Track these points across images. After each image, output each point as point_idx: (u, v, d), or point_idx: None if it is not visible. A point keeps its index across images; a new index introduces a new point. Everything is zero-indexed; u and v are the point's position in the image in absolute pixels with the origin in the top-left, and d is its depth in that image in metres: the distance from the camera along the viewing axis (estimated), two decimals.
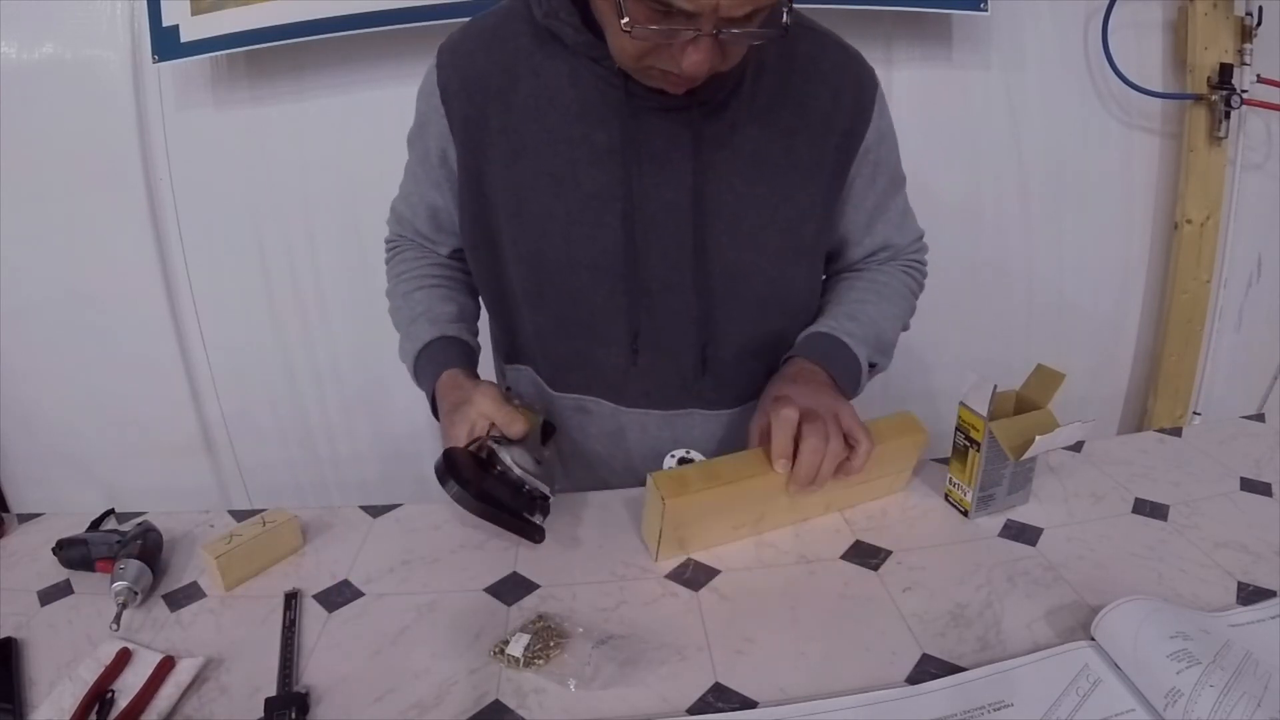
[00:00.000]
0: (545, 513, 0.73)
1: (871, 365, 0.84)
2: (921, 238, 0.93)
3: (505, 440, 0.73)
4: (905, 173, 0.89)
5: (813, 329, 0.83)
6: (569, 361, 0.85)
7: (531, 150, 0.75)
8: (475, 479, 0.68)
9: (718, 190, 0.76)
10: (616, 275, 0.77)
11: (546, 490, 0.72)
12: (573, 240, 0.77)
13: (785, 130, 0.77)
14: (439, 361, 0.83)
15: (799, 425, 0.69)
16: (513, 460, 0.71)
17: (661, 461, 0.79)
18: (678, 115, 0.73)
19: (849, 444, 0.71)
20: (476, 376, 0.83)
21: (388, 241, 0.96)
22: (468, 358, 0.85)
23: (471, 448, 0.72)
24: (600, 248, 0.76)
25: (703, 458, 0.78)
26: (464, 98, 0.77)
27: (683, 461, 0.78)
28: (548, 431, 0.82)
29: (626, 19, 0.60)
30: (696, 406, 0.86)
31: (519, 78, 0.75)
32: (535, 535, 0.71)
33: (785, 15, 0.62)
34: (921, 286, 0.94)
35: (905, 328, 0.92)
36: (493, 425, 0.73)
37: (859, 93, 0.79)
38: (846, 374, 0.80)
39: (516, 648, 0.60)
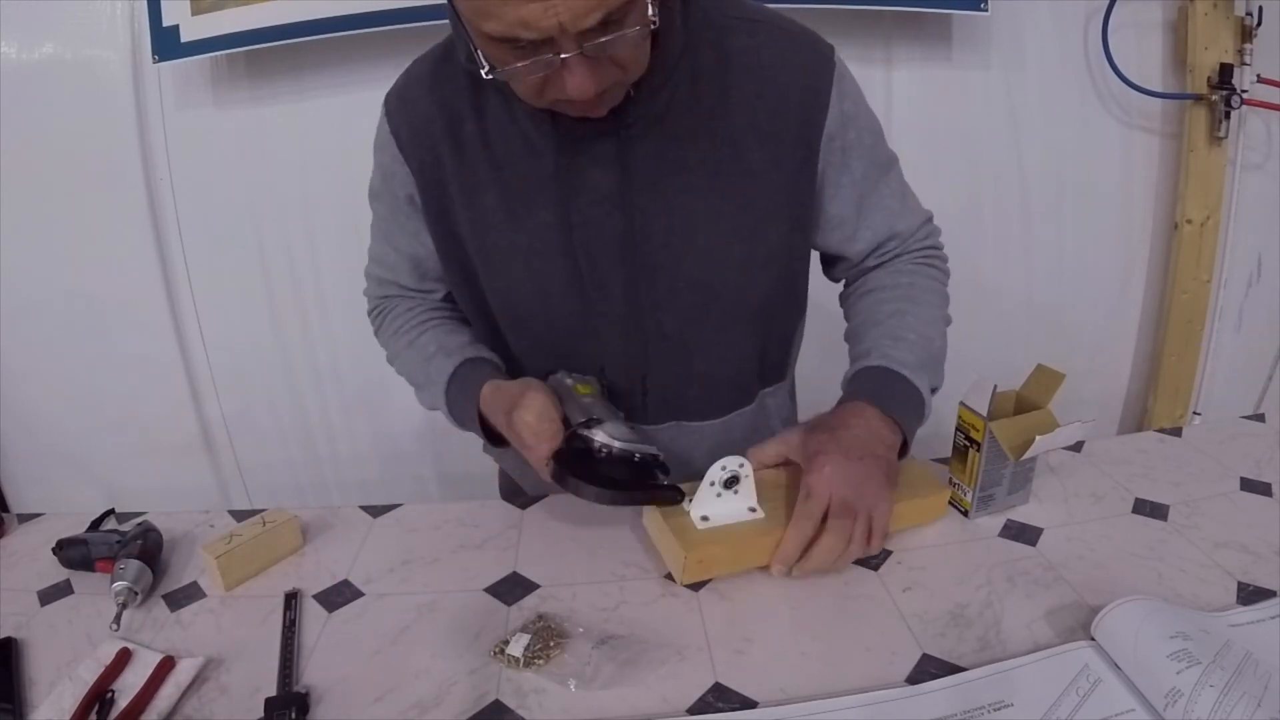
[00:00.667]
0: (666, 470, 0.71)
1: (934, 390, 0.79)
2: (930, 220, 0.87)
3: (589, 421, 0.70)
4: (901, 162, 0.85)
5: (863, 363, 0.77)
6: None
7: (485, 186, 0.76)
8: (596, 473, 0.67)
9: (664, 209, 0.74)
10: (576, 300, 0.77)
11: (654, 450, 0.70)
12: (534, 270, 0.77)
13: (731, 137, 0.73)
14: (472, 382, 0.79)
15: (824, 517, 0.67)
16: (610, 436, 0.69)
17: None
18: (607, 141, 0.71)
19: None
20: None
21: (372, 310, 0.93)
22: (498, 370, 0.82)
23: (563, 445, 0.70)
24: (561, 275, 0.76)
25: (748, 468, 0.71)
26: (416, 143, 0.77)
27: (730, 482, 0.70)
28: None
29: (486, 66, 0.60)
30: (681, 418, 0.85)
31: (463, 118, 0.75)
32: (675, 496, 0.70)
33: (651, 9, 0.59)
34: (946, 274, 0.87)
35: (948, 321, 0.85)
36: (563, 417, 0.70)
37: (810, 79, 0.73)
38: (908, 410, 0.75)
39: (516, 648, 0.60)
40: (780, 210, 0.77)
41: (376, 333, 0.92)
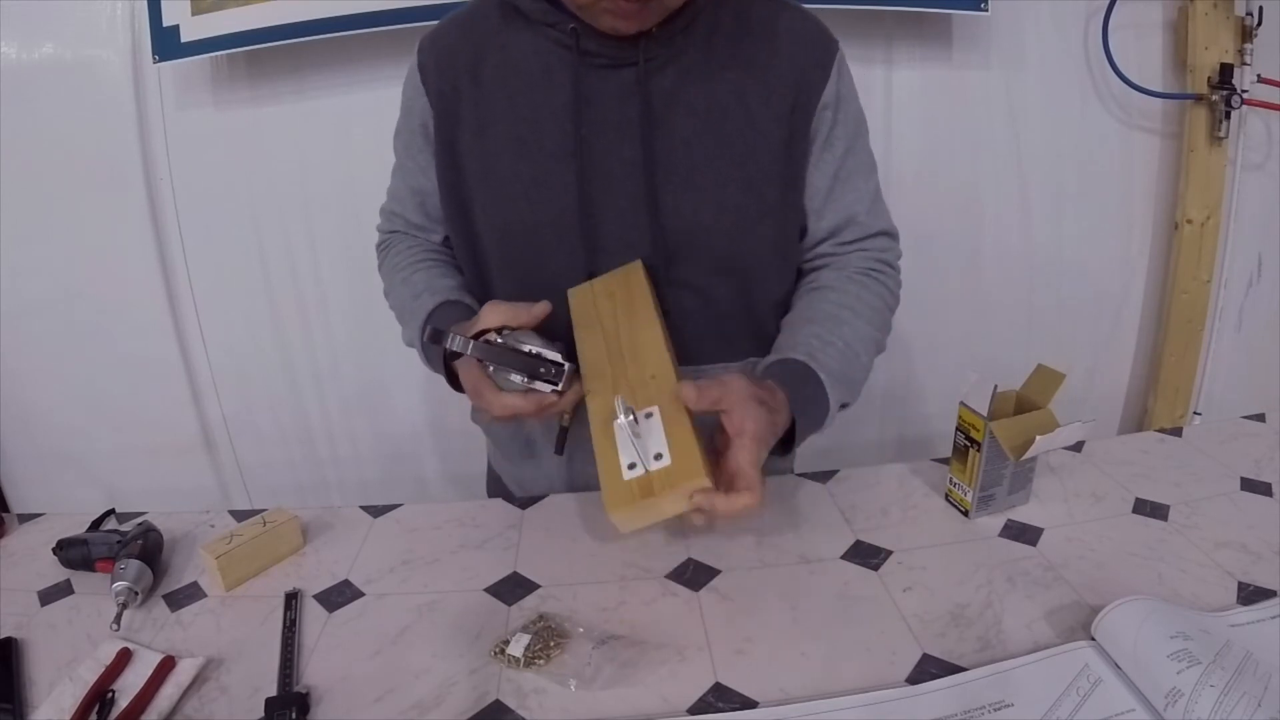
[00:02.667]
0: (554, 380, 0.69)
1: (843, 405, 0.77)
2: (894, 237, 0.87)
3: (502, 329, 0.71)
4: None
5: (789, 353, 0.76)
6: (541, 330, 0.82)
7: (498, 118, 0.78)
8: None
9: (670, 146, 0.76)
10: (575, 235, 0.78)
11: (559, 356, 0.69)
12: (535, 201, 0.78)
13: (738, 88, 0.77)
14: (449, 320, 0.78)
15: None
16: (518, 340, 0.69)
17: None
18: (627, 71, 0.75)
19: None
20: None
21: (379, 244, 0.96)
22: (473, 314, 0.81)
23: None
24: (560, 207, 0.78)
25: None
26: (438, 74, 0.80)
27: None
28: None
29: None
30: None
31: (488, 54, 0.79)
32: (551, 371, 0.68)
33: None
34: (895, 296, 0.86)
35: (880, 346, 0.84)
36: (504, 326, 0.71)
37: (815, 52, 0.79)
38: (810, 415, 0.73)
39: (517, 648, 0.60)
40: (776, 167, 0.79)
41: (379, 268, 0.94)
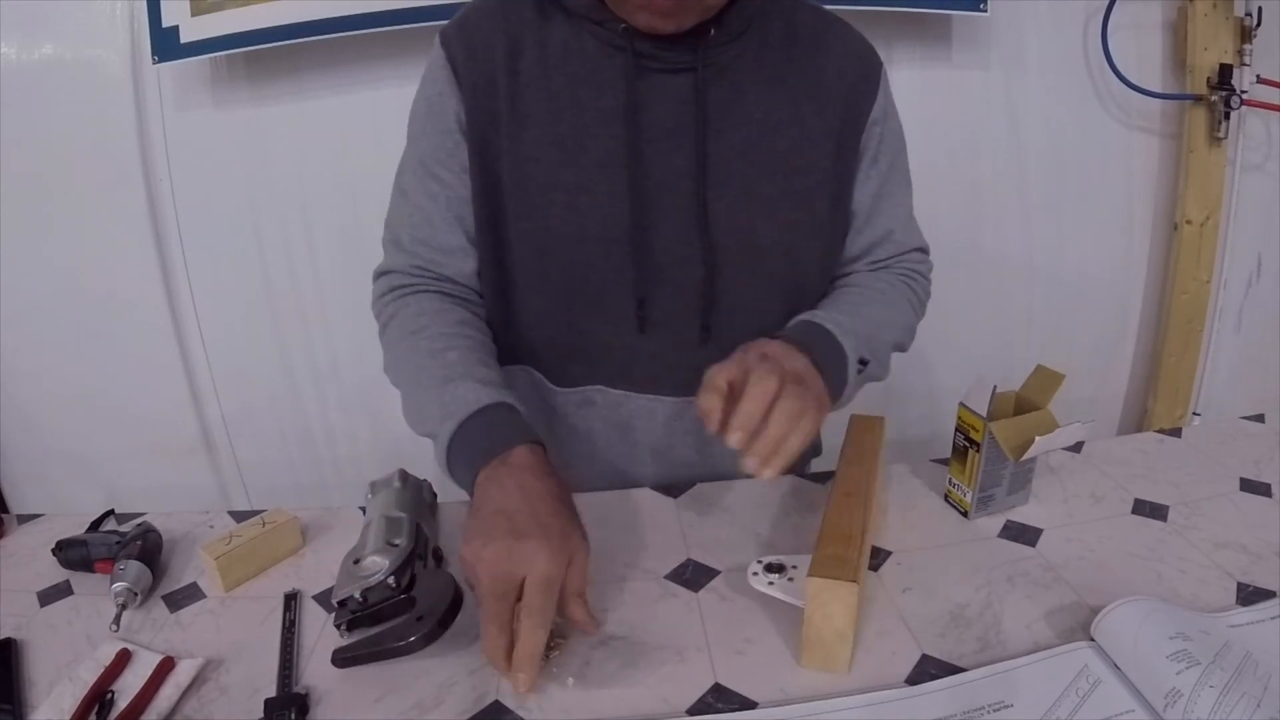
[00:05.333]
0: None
1: (863, 363, 0.74)
2: (926, 252, 0.90)
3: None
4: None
5: (797, 318, 0.75)
6: (572, 348, 0.82)
7: (537, 119, 0.73)
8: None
9: (727, 157, 0.74)
10: (624, 245, 0.74)
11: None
12: (579, 210, 0.74)
13: (792, 97, 0.75)
14: (508, 434, 0.65)
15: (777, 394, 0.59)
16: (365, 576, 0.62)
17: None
18: (683, 77, 0.72)
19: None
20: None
21: (389, 288, 0.80)
22: (539, 438, 0.67)
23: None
24: (608, 217, 0.73)
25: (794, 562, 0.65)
26: (472, 66, 0.74)
27: (771, 568, 0.64)
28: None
29: None
30: None
31: (524, 47, 0.74)
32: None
33: None
34: (923, 304, 0.88)
35: (902, 348, 0.84)
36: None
37: (864, 66, 0.79)
38: (832, 366, 0.70)
39: None
40: (827, 181, 0.78)
41: (383, 326, 0.80)
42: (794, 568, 0.64)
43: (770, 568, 0.64)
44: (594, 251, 0.75)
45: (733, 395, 0.60)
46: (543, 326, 0.82)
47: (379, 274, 0.83)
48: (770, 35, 0.76)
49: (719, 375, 0.61)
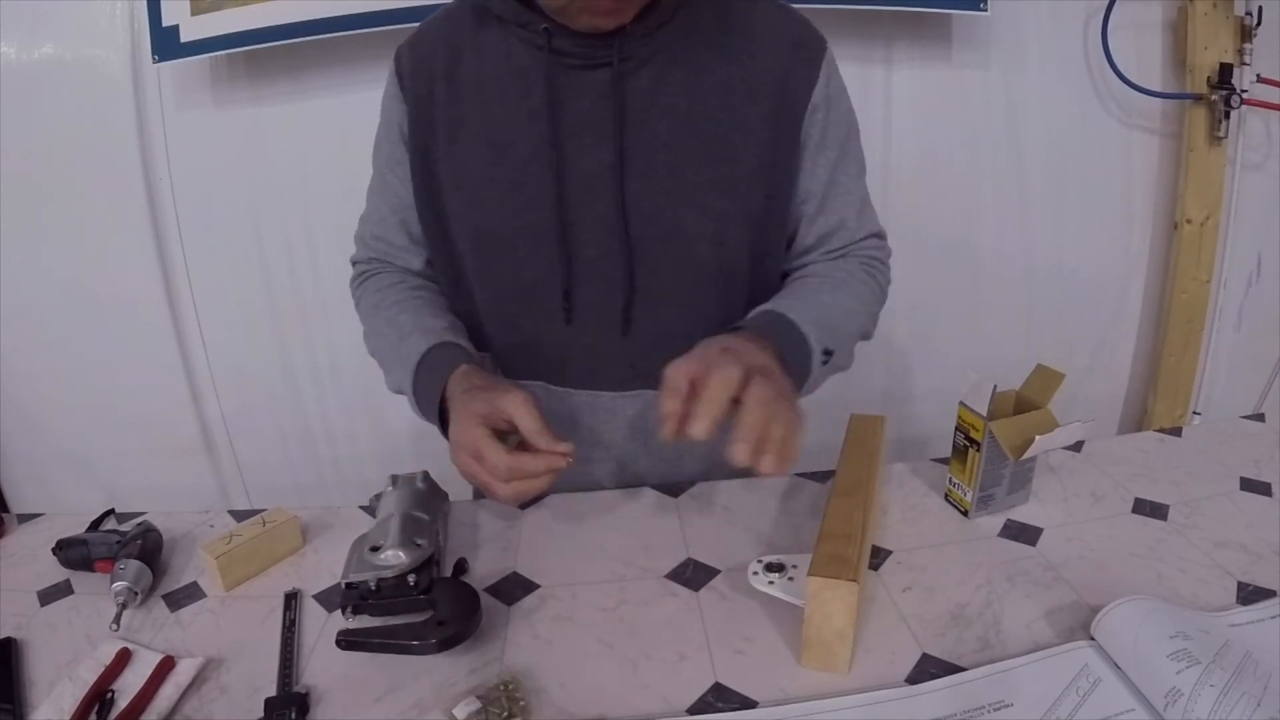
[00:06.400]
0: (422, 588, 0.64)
1: (827, 353, 0.73)
2: (883, 237, 0.87)
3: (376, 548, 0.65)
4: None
5: (759, 309, 0.75)
6: (515, 344, 0.84)
7: (473, 122, 0.77)
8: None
9: (650, 148, 0.74)
10: (552, 241, 0.76)
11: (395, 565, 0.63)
12: (510, 206, 0.76)
13: (722, 85, 0.74)
14: (444, 363, 0.74)
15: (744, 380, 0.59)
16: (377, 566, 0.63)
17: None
18: (602, 71, 0.73)
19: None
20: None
21: (355, 278, 0.91)
22: (472, 357, 0.77)
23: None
24: (535, 212, 0.75)
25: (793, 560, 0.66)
26: (415, 78, 0.79)
27: (772, 568, 0.65)
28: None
29: None
30: (645, 386, 0.82)
31: (462, 57, 0.77)
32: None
33: None
34: (884, 290, 0.85)
35: (867, 335, 0.83)
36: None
37: (802, 51, 0.76)
38: (795, 357, 0.69)
39: (462, 711, 0.54)
40: (761, 171, 0.77)
41: (356, 306, 0.90)
42: (794, 567, 0.64)
43: (770, 567, 0.65)
44: (524, 246, 0.77)
45: (694, 392, 0.59)
46: (491, 322, 0.85)
47: (352, 263, 0.94)
48: (699, 25, 0.75)
49: (679, 373, 0.61)
